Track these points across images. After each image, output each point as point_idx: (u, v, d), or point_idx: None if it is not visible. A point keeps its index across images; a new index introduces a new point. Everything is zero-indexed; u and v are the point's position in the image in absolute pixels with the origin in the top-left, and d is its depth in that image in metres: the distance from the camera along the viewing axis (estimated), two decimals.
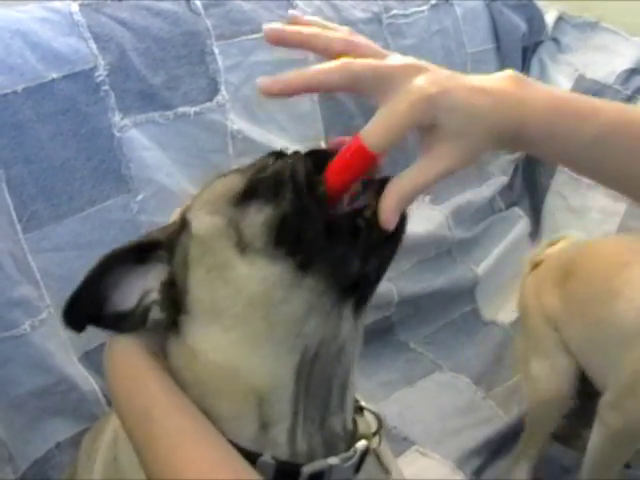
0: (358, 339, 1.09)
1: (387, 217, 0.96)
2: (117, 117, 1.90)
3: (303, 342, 1.01)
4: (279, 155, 1.08)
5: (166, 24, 2.04)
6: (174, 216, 1.14)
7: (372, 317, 2.43)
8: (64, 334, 1.78)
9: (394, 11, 2.59)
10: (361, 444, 1.10)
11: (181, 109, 2.03)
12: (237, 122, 2.13)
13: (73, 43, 1.87)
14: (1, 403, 1.70)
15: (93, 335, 1.85)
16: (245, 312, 1.00)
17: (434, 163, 0.98)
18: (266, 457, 1.01)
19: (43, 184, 1.79)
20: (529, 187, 3.07)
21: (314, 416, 1.06)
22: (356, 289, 1.02)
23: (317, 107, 2.33)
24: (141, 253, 1.08)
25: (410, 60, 1.02)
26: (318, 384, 1.05)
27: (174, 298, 1.05)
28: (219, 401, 1.03)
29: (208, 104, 2.08)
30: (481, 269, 2.71)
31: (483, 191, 2.83)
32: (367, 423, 1.17)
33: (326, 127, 2.36)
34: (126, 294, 1.07)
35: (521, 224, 2.96)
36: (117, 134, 1.90)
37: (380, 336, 2.48)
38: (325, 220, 0.97)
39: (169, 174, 2.00)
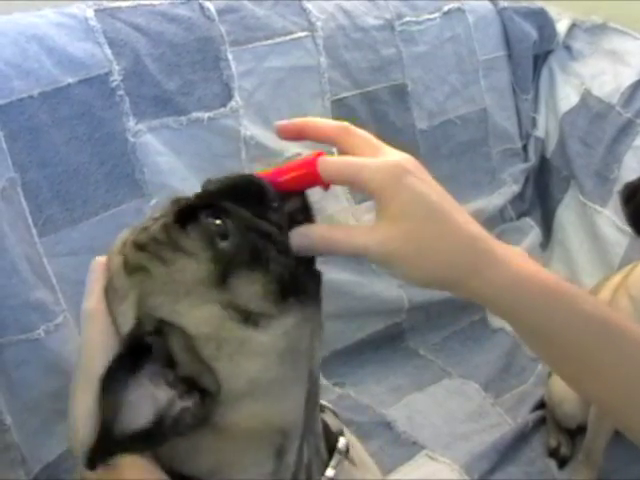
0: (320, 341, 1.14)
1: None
2: (131, 122, 1.92)
3: (311, 367, 1.06)
4: (183, 215, 1.04)
5: (181, 30, 2.05)
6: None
7: (383, 323, 2.46)
8: (79, 338, 1.78)
9: (406, 18, 2.59)
10: (341, 444, 1.16)
11: (195, 114, 2.04)
12: (250, 128, 2.14)
13: (88, 48, 1.88)
14: (16, 405, 1.70)
15: None
16: (278, 371, 1.00)
17: (361, 233, 0.98)
18: None
19: (58, 188, 1.80)
20: (541, 197, 3.07)
21: (310, 429, 1.11)
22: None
23: (329, 114, 2.34)
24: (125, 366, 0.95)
25: (404, 157, 1.00)
26: (311, 400, 1.09)
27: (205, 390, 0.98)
28: (242, 458, 1.02)
29: (222, 109, 2.09)
30: None
31: (494, 199, 2.83)
32: (332, 419, 1.22)
33: None
34: (133, 410, 0.93)
35: (532, 234, 2.94)
36: (131, 139, 1.91)
37: (390, 342, 2.49)
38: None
39: (183, 179, 2.00)
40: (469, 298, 0.99)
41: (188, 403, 0.94)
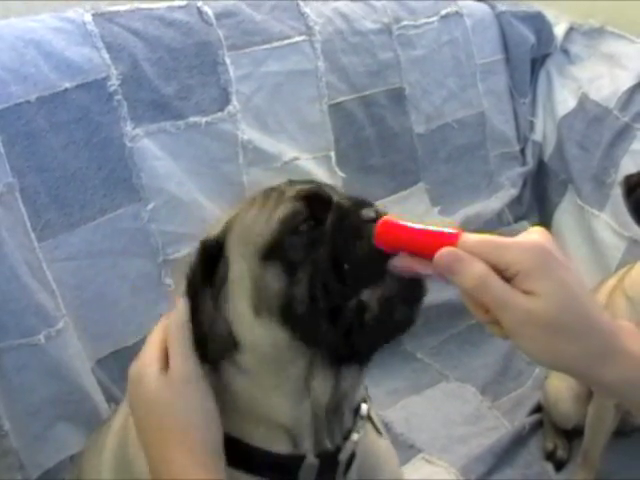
0: (361, 383, 1.27)
1: None
2: (129, 127, 1.92)
3: (311, 394, 1.17)
4: (315, 198, 1.13)
5: (178, 34, 2.05)
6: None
7: None
8: (79, 344, 1.80)
9: (404, 22, 2.60)
10: (364, 410, 1.29)
11: (192, 119, 2.04)
12: (248, 132, 2.14)
13: (86, 53, 1.89)
14: (15, 410, 1.71)
15: (106, 343, 1.89)
16: (259, 367, 1.15)
17: (515, 296, 0.95)
18: (309, 458, 1.20)
19: (56, 193, 1.81)
20: (538, 201, 3.08)
21: (334, 429, 1.24)
22: (353, 359, 1.16)
23: (327, 118, 2.34)
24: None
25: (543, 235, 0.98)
26: (333, 415, 1.22)
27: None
28: (254, 427, 1.19)
29: (219, 114, 2.09)
30: None
31: (492, 203, 2.83)
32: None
33: (336, 137, 2.37)
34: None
35: None
36: (129, 144, 1.91)
37: (388, 346, 2.49)
38: (331, 307, 1.07)
39: (180, 183, 2.01)
40: (593, 385, 1.03)
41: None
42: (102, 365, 1.90)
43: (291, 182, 1.23)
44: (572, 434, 2.28)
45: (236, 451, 1.17)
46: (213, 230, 1.22)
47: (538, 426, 2.36)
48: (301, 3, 2.33)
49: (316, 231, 1.10)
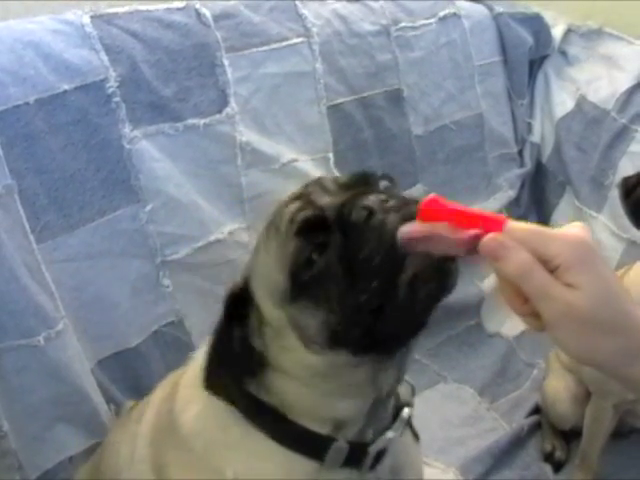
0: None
1: None
2: (127, 128, 1.92)
3: (378, 388, 1.20)
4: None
5: (177, 36, 2.06)
6: None
7: None
8: (78, 345, 1.81)
9: (402, 24, 2.60)
10: (405, 413, 1.32)
11: (191, 121, 2.04)
12: (246, 134, 2.14)
13: (85, 55, 1.89)
14: (14, 411, 1.71)
15: (106, 344, 1.90)
16: (321, 380, 1.17)
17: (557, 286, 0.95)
18: (341, 442, 1.22)
19: (55, 195, 1.81)
20: (536, 203, 3.08)
21: (380, 417, 1.27)
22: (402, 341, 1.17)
23: (325, 119, 2.35)
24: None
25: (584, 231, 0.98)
26: (386, 401, 1.27)
27: (259, 355, 1.20)
28: (301, 416, 1.22)
29: (217, 116, 2.09)
30: (486, 284, 2.70)
31: (490, 204, 2.83)
32: (406, 389, 1.36)
33: (335, 139, 2.38)
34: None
35: None
36: (127, 145, 1.92)
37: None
38: (371, 315, 1.07)
39: (178, 185, 2.01)
40: (625, 383, 1.01)
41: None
42: (102, 366, 1.90)
43: (288, 200, 1.22)
44: (570, 435, 2.29)
45: (272, 419, 1.22)
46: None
47: (536, 427, 2.37)
48: (299, 5, 2.33)
49: (325, 265, 1.09)
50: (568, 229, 0.96)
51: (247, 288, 1.21)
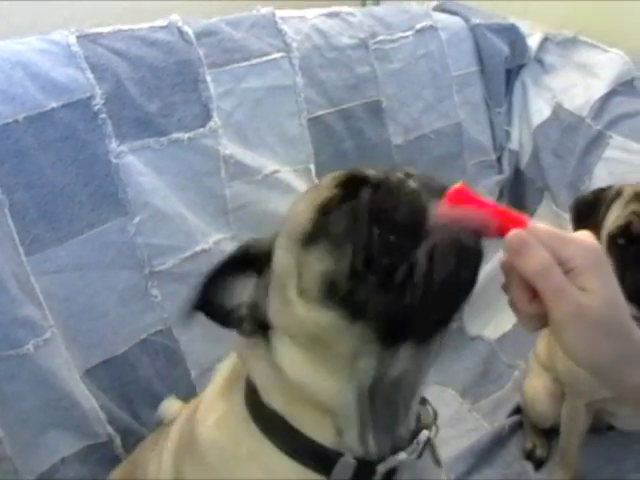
0: (424, 369, 1.19)
1: None
2: (114, 144, 1.96)
3: (357, 376, 1.14)
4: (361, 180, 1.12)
5: (160, 53, 2.10)
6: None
7: None
8: (66, 353, 1.84)
9: (380, 37, 2.65)
10: (423, 435, 1.25)
11: (175, 135, 2.08)
12: (229, 147, 2.18)
13: (71, 73, 1.93)
14: (8, 417, 1.75)
15: (94, 352, 1.93)
16: (307, 342, 1.14)
17: (572, 287, 0.99)
18: (347, 457, 1.18)
19: (44, 209, 1.85)
20: (515, 208, 2.99)
21: (382, 426, 1.21)
22: (412, 333, 1.08)
23: (306, 131, 2.39)
24: (237, 266, 1.20)
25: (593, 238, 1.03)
26: (381, 405, 1.18)
27: (261, 315, 1.18)
28: (301, 409, 1.19)
29: (201, 130, 2.13)
30: None
31: None
32: (427, 411, 1.31)
33: (316, 150, 2.42)
34: (227, 296, 1.19)
35: None
36: (114, 160, 1.95)
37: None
38: (379, 277, 1.03)
39: (164, 197, 2.05)
40: (620, 389, 1.05)
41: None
42: (91, 374, 1.93)
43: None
44: (551, 433, 2.33)
45: (281, 430, 1.20)
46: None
47: (518, 427, 2.41)
48: (279, 21, 2.37)
49: (352, 207, 1.08)
50: (581, 235, 1.01)
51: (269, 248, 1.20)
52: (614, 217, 1.97)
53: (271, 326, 1.17)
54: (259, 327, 1.18)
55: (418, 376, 1.19)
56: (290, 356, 1.16)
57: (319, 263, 1.08)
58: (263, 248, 1.20)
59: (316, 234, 1.09)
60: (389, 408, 1.20)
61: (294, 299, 1.11)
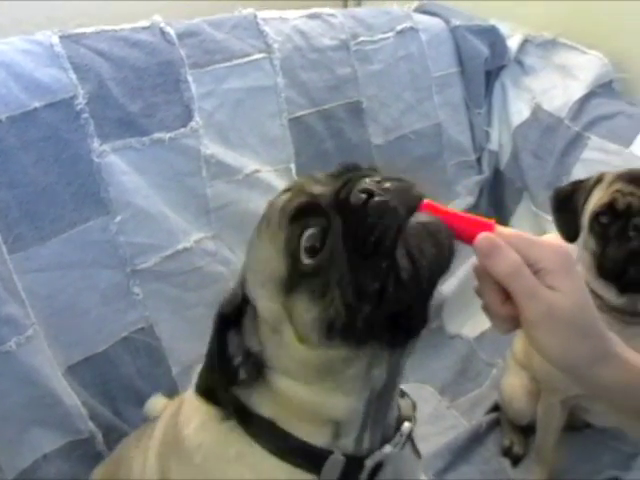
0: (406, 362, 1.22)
1: None
2: (96, 143, 1.97)
3: (371, 384, 1.16)
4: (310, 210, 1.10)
5: (142, 54, 2.11)
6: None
7: None
8: (49, 350, 1.85)
9: (361, 38, 2.67)
10: (406, 427, 1.28)
11: (157, 135, 2.09)
12: (210, 147, 2.20)
13: (54, 73, 1.94)
14: None
15: (76, 350, 1.93)
16: (315, 376, 1.15)
17: (544, 289, 1.01)
18: (337, 455, 1.19)
19: (27, 207, 1.86)
20: (495, 209, 3.13)
21: (378, 424, 1.24)
22: (413, 328, 1.11)
23: (287, 132, 2.41)
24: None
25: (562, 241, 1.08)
26: (383, 403, 1.22)
27: (258, 361, 1.19)
28: (295, 418, 1.20)
29: (183, 130, 2.15)
30: (446, 287, 2.71)
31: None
32: (407, 404, 1.34)
33: (296, 150, 2.44)
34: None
35: None
36: (96, 159, 1.96)
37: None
38: (373, 299, 1.03)
39: (146, 197, 2.06)
40: (589, 387, 1.08)
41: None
42: (73, 371, 1.94)
43: (277, 195, 1.19)
44: (528, 430, 2.35)
45: (269, 433, 1.21)
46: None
47: (496, 424, 2.44)
48: (260, 22, 2.39)
49: (329, 239, 1.05)
50: (549, 238, 1.04)
51: (242, 292, 1.19)
52: (597, 199, 1.98)
53: (268, 365, 1.19)
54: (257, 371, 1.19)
55: (403, 369, 1.22)
56: (295, 389, 1.18)
57: (308, 312, 1.08)
58: (236, 302, 1.20)
59: (294, 279, 1.08)
60: (387, 405, 1.24)
61: (296, 345, 1.12)
